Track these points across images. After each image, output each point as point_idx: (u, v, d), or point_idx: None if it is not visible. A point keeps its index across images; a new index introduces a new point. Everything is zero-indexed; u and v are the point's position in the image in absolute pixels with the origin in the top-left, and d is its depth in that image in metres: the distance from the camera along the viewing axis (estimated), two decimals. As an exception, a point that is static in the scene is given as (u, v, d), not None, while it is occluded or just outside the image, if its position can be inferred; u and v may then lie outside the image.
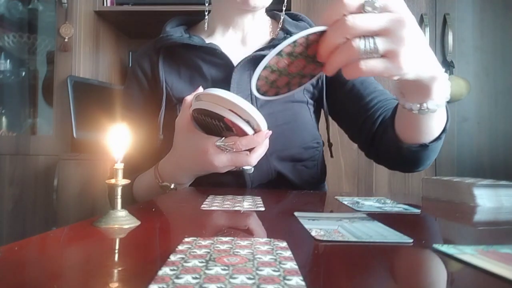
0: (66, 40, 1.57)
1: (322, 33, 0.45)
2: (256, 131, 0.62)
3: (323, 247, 0.31)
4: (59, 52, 1.58)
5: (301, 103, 0.81)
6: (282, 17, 0.85)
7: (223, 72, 0.79)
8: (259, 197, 0.56)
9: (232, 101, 0.57)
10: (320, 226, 0.37)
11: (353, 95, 0.82)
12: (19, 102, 1.85)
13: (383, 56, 0.44)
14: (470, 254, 0.28)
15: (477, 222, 0.49)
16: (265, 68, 0.48)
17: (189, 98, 0.67)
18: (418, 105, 0.56)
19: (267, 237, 0.33)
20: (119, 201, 0.38)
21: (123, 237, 0.34)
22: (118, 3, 1.68)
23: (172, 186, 0.71)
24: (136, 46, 1.99)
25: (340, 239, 0.32)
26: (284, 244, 0.29)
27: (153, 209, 0.50)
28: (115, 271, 0.24)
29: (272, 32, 0.87)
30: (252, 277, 0.22)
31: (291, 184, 0.77)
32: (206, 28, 0.85)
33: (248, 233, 0.37)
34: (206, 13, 0.85)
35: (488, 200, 0.56)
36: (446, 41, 1.51)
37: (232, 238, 0.31)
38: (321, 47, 0.45)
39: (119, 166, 0.39)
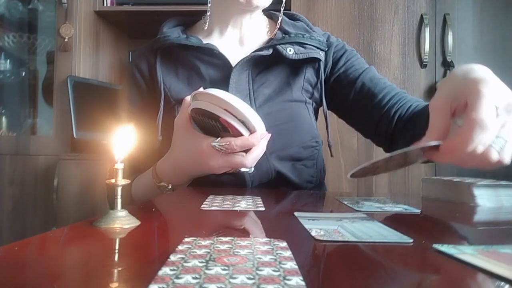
0: (66, 40, 1.57)
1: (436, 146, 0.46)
2: (252, 132, 0.61)
3: (323, 247, 0.31)
4: (59, 52, 1.58)
5: (299, 103, 0.81)
6: (280, 17, 0.85)
7: (221, 72, 0.79)
8: (259, 197, 0.56)
9: (226, 101, 0.57)
10: (320, 226, 0.37)
11: (364, 94, 0.81)
12: (19, 102, 1.85)
13: None
14: (470, 254, 0.28)
15: (477, 222, 0.49)
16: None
17: (188, 98, 0.67)
18: None
19: (267, 237, 0.33)
20: (119, 201, 0.38)
21: (123, 237, 0.34)
22: (118, 3, 1.68)
23: (170, 186, 0.71)
24: (136, 46, 1.99)
25: (340, 239, 0.32)
26: (284, 244, 0.29)
27: (153, 209, 0.50)
28: (115, 271, 0.24)
29: (270, 32, 0.87)
30: (252, 277, 0.22)
31: (291, 184, 0.77)
32: (206, 28, 0.85)
33: (248, 233, 0.37)
34: (208, 13, 0.85)
35: (488, 200, 0.56)
36: (446, 41, 1.51)
37: (232, 238, 0.31)
38: (451, 158, 0.46)
39: (119, 166, 0.39)
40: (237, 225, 0.40)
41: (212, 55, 0.79)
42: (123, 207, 0.38)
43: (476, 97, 0.43)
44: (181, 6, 1.61)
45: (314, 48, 0.81)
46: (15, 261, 0.26)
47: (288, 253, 0.27)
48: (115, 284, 0.22)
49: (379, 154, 0.87)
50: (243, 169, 0.66)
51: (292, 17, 0.89)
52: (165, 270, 0.23)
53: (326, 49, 0.84)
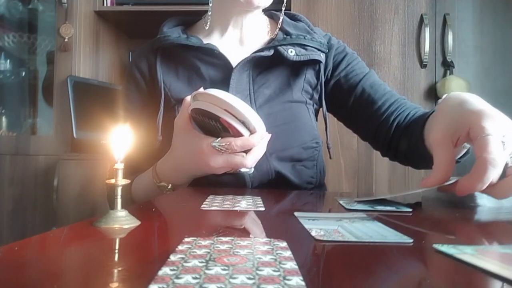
0: (66, 40, 1.57)
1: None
2: (252, 132, 0.61)
3: (323, 247, 0.31)
4: (59, 52, 1.58)
5: (300, 103, 0.81)
6: (281, 18, 0.85)
7: (221, 72, 0.79)
8: (259, 197, 0.56)
9: (227, 101, 0.57)
10: (320, 226, 0.37)
11: (363, 100, 0.82)
12: (19, 102, 1.85)
13: None
14: (470, 254, 0.28)
15: (477, 222, 0.49)
16: None
17: (188, 98, 0.67)
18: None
19: (267, 237, 0.33)
20: (119, 201, 0.38)
21: (123, 237, 0.34)
22: (118, 3, 1.68)
23: (169, 186, 0.71)
24: (136, 46, 1.99)
25: (340, 239, 0.32)
26: (284, 244, 0.29)
27: (153, 209, 0.50)
28: (115, 271, 0.24)
29: (271, 32, 0.87)
30: (252, 277, 0.22)
31: (291, 184, 0.77)
32: (207, 27, 0.85)
33: (248, 233, 0.37)
34: (209, 13, 0.85)
35: (488, 200, 0.56)
36: (446, 41, 1.51)
37: (232, 238, 0.31)
38: (466, 193, 0.49)
39: (119, 166, 0.39)
40: (237, 225, 0.40)
41: (213, 55, 0.79)
42: (123, 207, 0.38)
43: (482, 135, 0.46)
44: (181, 6, 1.61)
45: (315, 50, 0.81)
46: (15, 261, 0.26)
47: (288, 253, 0.27)
48: (115, 284, 0.22)
49: (378, 154, 0.87)
50: (243, 170, 0.66)
51: (293, 18, 0.89)
52: (165, 270, 0.23)
53: (327, 51, 0.84)
